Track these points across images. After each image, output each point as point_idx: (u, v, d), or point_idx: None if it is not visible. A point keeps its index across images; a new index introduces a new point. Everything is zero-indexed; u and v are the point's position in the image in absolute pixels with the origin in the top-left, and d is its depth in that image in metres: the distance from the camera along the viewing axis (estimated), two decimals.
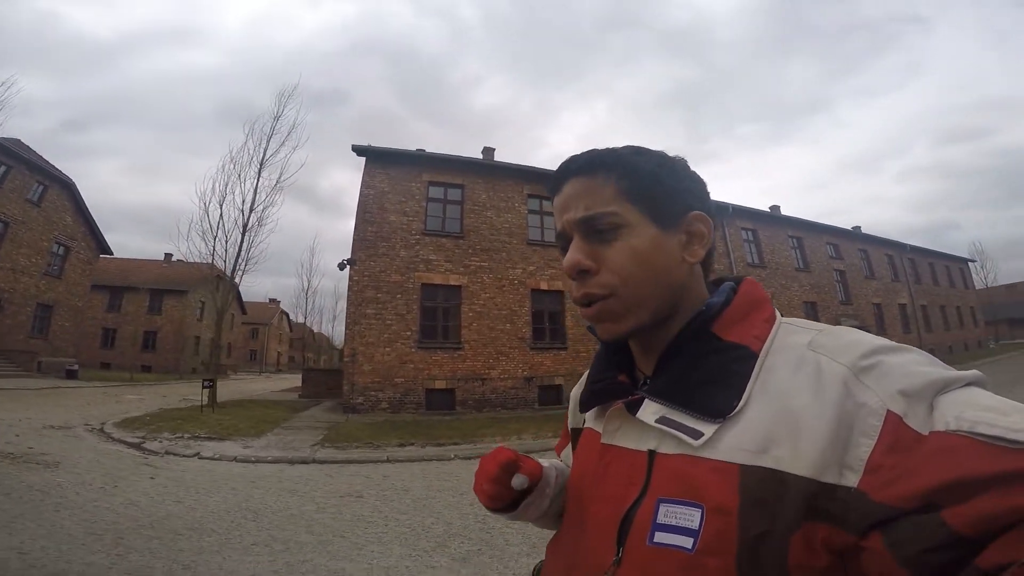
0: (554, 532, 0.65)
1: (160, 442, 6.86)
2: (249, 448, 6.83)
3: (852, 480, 0.38)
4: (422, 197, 12.87)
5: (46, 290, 20.44)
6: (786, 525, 0.39)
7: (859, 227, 25.76)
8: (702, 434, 0.45)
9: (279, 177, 13.08)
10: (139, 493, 4.33)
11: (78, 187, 21.60)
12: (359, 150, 12.87)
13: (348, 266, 11.76)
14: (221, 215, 12.55)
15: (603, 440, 0.56)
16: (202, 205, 12.58)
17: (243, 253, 12.55)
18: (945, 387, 0.39)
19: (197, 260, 12.46)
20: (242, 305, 41.10)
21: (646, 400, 0.51)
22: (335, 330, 42.19)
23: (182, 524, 3.56)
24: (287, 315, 59.16)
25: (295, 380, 30.18)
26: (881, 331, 22.51)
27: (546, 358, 12.92)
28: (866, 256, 23.50)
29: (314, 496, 4.51)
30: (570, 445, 0.72)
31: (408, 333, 11.77)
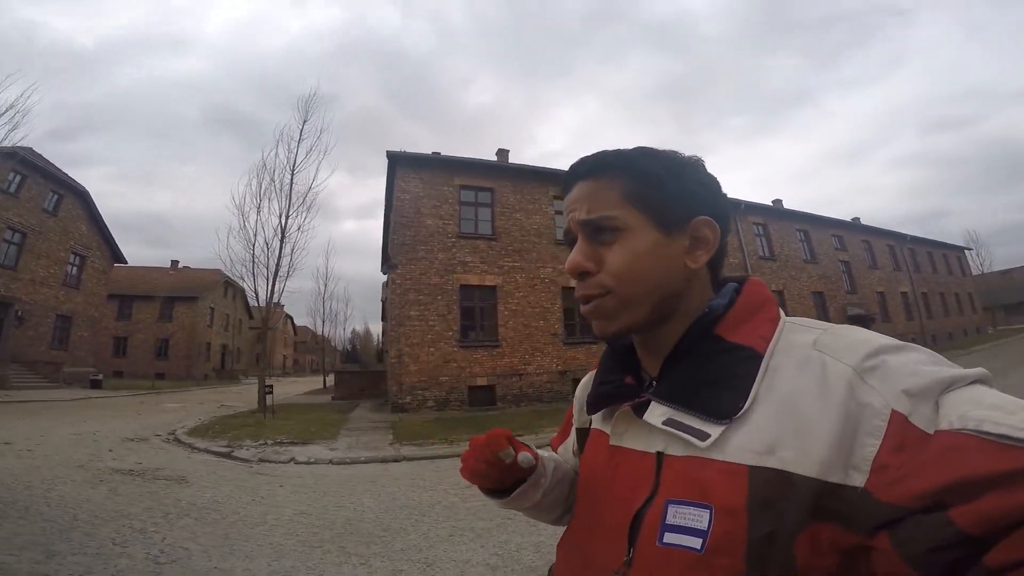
0: (563, 530, 0.66)
1: (247, 450, 6.97)
2: (335, 450, 6.99)
3: (858, 480, 0.38)
4: (455, 200, 13.20)
5: (64, 300, 20.41)
6: (793, 525, 0.40)
7: (858, 218, 26.48)
8: (709, 436, 0.46)
9: (311, 183, 13.26)
10: (293, 502, 4.41)
11: (91, 195, 21.55)
12: (392, 156, 13.18)
13: (390, 270, 12.05)
14: (259, 222, 12.60)
15: (611, 442, 0.57)
16: (240, 214, 12.64)
17: (281, 259, 12.59)
18: (950, 386, 0.40)
19: (238, 268, 12.49)
20: (249, 310, 41.07)
21: (652, 402, 0.52)
22: (342, 333, 42.07)
23: (373, 526, 3.70)
24: (291, 319, 59.07)
25: (309, 383, 30.31)
26: (885, 318, 23.32)
27: (579, 352, 13.38)
28: (869, 247, 24.30)
29: (445, 489, 4.78)
30: (572, 443, 0.75)
31: (450, 333, 12.12)
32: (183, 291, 30.65)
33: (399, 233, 12.38)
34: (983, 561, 0.32)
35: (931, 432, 0.37)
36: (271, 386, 10.98)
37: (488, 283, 12.89)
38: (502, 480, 0.62)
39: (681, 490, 0.46)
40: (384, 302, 31.71)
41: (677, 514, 0.45)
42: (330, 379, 29.40)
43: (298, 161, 13.17)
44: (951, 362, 0.43)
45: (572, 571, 0.58)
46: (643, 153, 0.57)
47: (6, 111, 13.18)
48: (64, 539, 3.20)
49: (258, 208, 12.64)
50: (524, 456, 0.57)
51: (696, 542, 0.43)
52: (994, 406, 0.37)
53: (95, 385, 18.74)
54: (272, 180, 12.70)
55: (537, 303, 13.19)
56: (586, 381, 0.72)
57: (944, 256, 29.92)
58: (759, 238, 19.56)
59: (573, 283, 0.57)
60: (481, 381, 12.21)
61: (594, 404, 0.62)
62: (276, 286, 12.53)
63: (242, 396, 19.48)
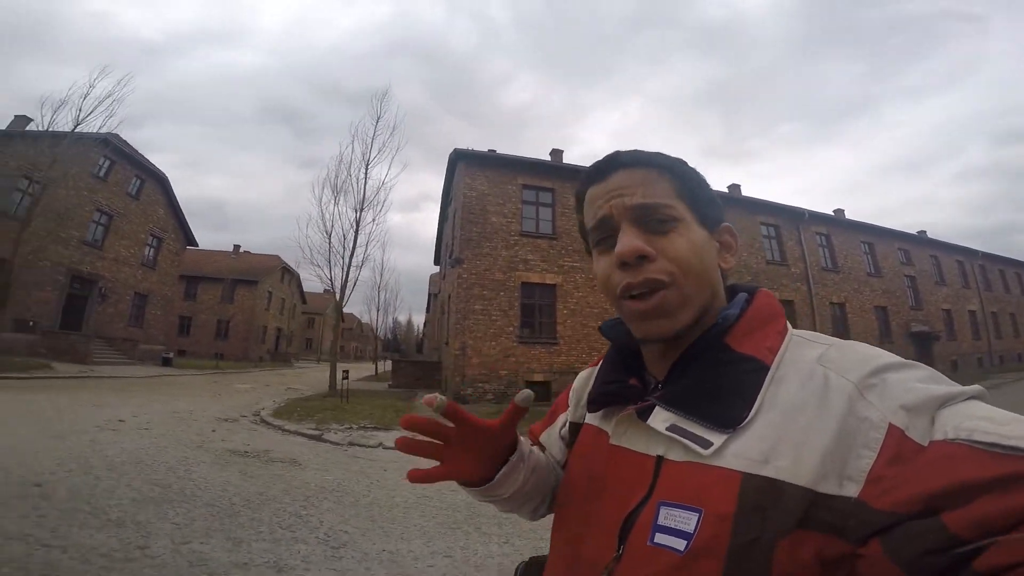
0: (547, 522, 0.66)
1: (336, 433, 7.16)
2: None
3: (852, 491, 0.39)
4: (518, 199, 13.48)
5: (142, 280, 21.77)
6: (775, 532, 0.40)
7: (924, 231, 25.37)
8: (711, 444, 0.46)
9: (384, 178, 13.76)
10: (407, 486, 4.33)
11: (169, 181, 22.89)
12: (458, 153, 13.59)
13: (456, 265, 12.43)
14: (335, 213, 13.20)
15: (612, 441, 0.57)
16: (319, 205, 13.27)
17: (356, 249, 13.15)
18: (946, 401, 0.41)
19: (316, 257, 13.09)
20: (303, 295, 42.81)
21: (657, 407, 0.52)
22: (387, 322, 43.16)
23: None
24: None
25: (358, 369, 31.35)
26: (950, 337, 22.39)
27: None
28: (936, 262, 23.28)
29: None
30: (562, 431, 0.74)
31: (511, 328, 12.41)
32: (244, 274, 32.20)
33: (466, 229, 12.74)
34: (973, 565, 0.33)
35: (926, 444, 0.39)
36: (347, 371, 11.45)
37: (548, 282, 13.11)
38: (496, 459, 0.60)
39: (676, 493, 0.47)
40: (431, 295, 32.40)
41: (668, 516, 0.46)
42: (381, 366, 30.26)
43: (372, 157, 13.65)
44: (951, 381, 0.44)
45: (563, 564, 0.58)
46: (680, 159, 0.59)
47: (105, 100, 14.25)
48: (235, 524, 3.31)
49: (335, 200, 13.19)
50: (523, 396, 0.52)
51: (681, 544, 0.44)
52: (985, 418, 0.38)
53: (166, 363, 19.93)
54: (349, 174, 13.24)
55: (596, 304, 13.31)
56: (586, 376, 0.73)
57: (1017, 275, 28.38)
58: (821, 248, 19.05)
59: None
60: (538, 377, 12.44)
61: (597, 402, 0.62)
62: (350, 274, 13.06)
63: (303, 379, 20.39)
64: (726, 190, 19.94)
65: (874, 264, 20.63)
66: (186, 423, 7.27)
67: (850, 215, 21.35)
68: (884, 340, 19.82)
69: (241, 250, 37.63)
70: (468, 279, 12.40)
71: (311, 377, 21.77)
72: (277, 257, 37.34)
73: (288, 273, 39.01)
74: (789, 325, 0.55)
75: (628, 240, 0.53)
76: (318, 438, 6.93)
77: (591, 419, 0.63)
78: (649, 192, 0.55)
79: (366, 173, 13.51)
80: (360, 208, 13.17)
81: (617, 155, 0.59)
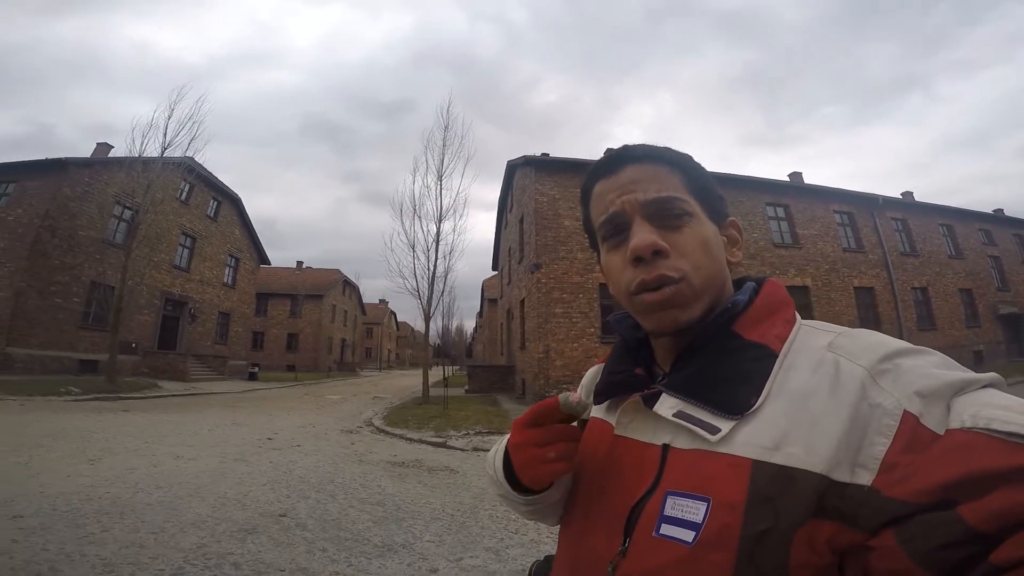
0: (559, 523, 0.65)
1: (457, 440, 7.39)
2: None
3: (865, 479, 0.38)
4: None
5: (224, 299, 23.13)
6: (791, 522, 0.40)
7: (1001, 209, 23.95)
8: (719, 430, 0.46)
9: (459, 187, 14.19)
10: None
11: (243, 202, 24.12)
12: (528, 161, 13.87)
13: (536, 270, 12.71)
14: (415, 227, 13.71)
15: (616, 432, 0.56)
16: (400, 222, 13.81)
17: (439, 261, 13.61)
18: (962, 388, 0.40)
19: (402, 270, 13.60)
20: (362, 307, 44.34)
21: (663, 394, 0.52)
22: (438, 328, 44.08)
23: None
24: (395, 314, 63.04)
25: (411, 377, 32.17)
26: None
27: None
28: (1020, 241, 21.99)
29: None
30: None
31: (591, 330, 12.58)
32: (309, 289, 33.65)
33: (541, 234, 13.00)
34: (990, 559, 0.32)
35: (941, 432, 0.38)
36: (447, 379, 11.86)
37: None
38: (570, 457, 0.56)
39: (683, 482, 0.46)
40: (486, 300, 32.88)
41: (675, 506, 0.45)
42: (440, 372, 30.88)
43: (444, 168, 14.06)
44: (964, 367, 0.43)
45: (569, 560, 0.57)
46: (685, 154, 0.59)
47: (187, 123, 14.91)
48: (468, 535, 3.39)
49: (414, 214, 13.71)
50: (568, 403, 0.53)
51: (689, 535, 0.43)
52: (1004, 406, 0.37)
53: (252, 377, 21.13)
54: (426, 185, 13.72)
55: None
56: (593, 372, 0.72)
57: None
58: (898, 233, 18.38)
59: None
60: None
61: (603, 392, 0.61)
62: (435, 286, 13.50)
63: (380, 387, 21.13)
64: (787, 178, 19.45)
65: (955, 246, 19.73)
66: (321, 437, 7.54)
67: (917, 196, 20.44)
68: (970, 324, 18.95)
69: (304, 266, 39.34)
70: (547, 283, 12.65)
71: (387, 385, 22.64)
72: (338, 271, 39.01)
73: (348, 286, 40.61)
74: (798, 315, 0.55)
75: (643, 235, 0.52)
76: (443, 445, 7.13)
77: (596, 412, 0.62)
78: (663, 187, 0.54)
79: (440, 184, 13.90)
80: (439, 220, 13.59)
81: (627, 149, 0.58)
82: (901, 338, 0.47)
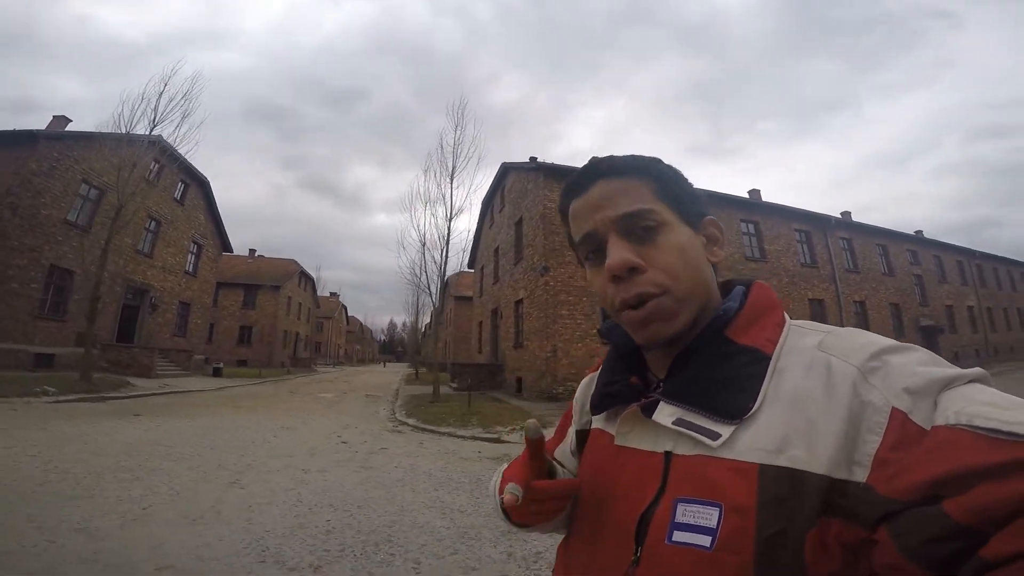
0: (563, 535, 0.64)
1: (507, 435, 7.59)
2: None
3: (861, 476, 0.40)
4: None
5: (185, 288, 21.64)
6: (803, 522, 0.41)
7: (921, 231, 27.32)
8: (720, 435, 0.46)
9: (470, 187, 14.42)
10: None
11: (211, 185, 22.63)
12: (536, 166, 14.37)
13: (545, 273, 13.22)
14: (425, 225, 13.83)
15: (617, 442, 0.56)
16: (414, 221, 13.85)
17: (449, 258, 13.79)
18: (948, 384, 0.41)
19: (412, 265, 13.65)
20: (316, 300, 42.81)
21: (661, 402, 0.52)
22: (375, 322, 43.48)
23: None
24: (345, 308, 61.13)
25: (386, 373, 31.56)
26: (952, 331, 24.25)
27: None
28: (939, 261, 25.38)
29: None
30: (572, 443, 0.71)
31: (594, 331, 13.26)
32: (264, 280, 32.11)
33: (549, 239, 13.53)
34: (979, 554, 0.33)
35: (928, 428, 0.39)
36: (468, 378, 12.05)
37: None
38: (560, 509, 0.58)
39: (690, 488, 0.46)
40: (449, 296, 32.71)
41: (687, 512, 0.45)
42: (391, 367, 30.48)
43: (454, 167, 14.17)
44: (951, 363, 0.44)
45: (579, 572, 0.56)
46: (654, 158, 0.59)
47: (181, 100, 13.78)
48: None
49: (425, 210, 13.81)
50: (529, 425, 0.55)
51: (706, 540, 0.43)
52: (987, 403, 0.38)
53: (217, 373, 19.83)
54: (439, 185, 13.83)
55: None
56: (587, 382, 0.71)
57: (1008, 272, 30.92)
58: (845, 252, 20.68)
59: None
60: None
61: (599, 404, 0.61)
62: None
63: (355, 384, 20.72)
64: (746, 195, 21.11)
65: (887, 265, 22.39)
66: (379, 437, 7.55)
67: (835, 212, 22.79)
68: (898, 334, 21.46)
69: (256, 254, 37.41)
70: (555, 286, 13.22)
71: (359, 382, 22.26)
72: (294, 262, 37.36)
73: (304, 277, 39.13)
74: (786, 315, 0.55)
75: (617, 253, 0.53)
76: (498, 440, 7.41)
77: (596, 423, 0.63)
78: (631, 200, 0.54)
79: (452, 183, 14.03)
80: (450, 218, 13.75)
81: (594, 166, 0.58)
82: None
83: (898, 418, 0.40)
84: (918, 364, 0.44)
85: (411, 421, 9.30)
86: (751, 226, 17.95)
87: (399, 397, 14.24)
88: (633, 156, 0.58)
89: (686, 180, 0.59)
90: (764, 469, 0.43)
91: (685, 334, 0.54)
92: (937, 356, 0.45)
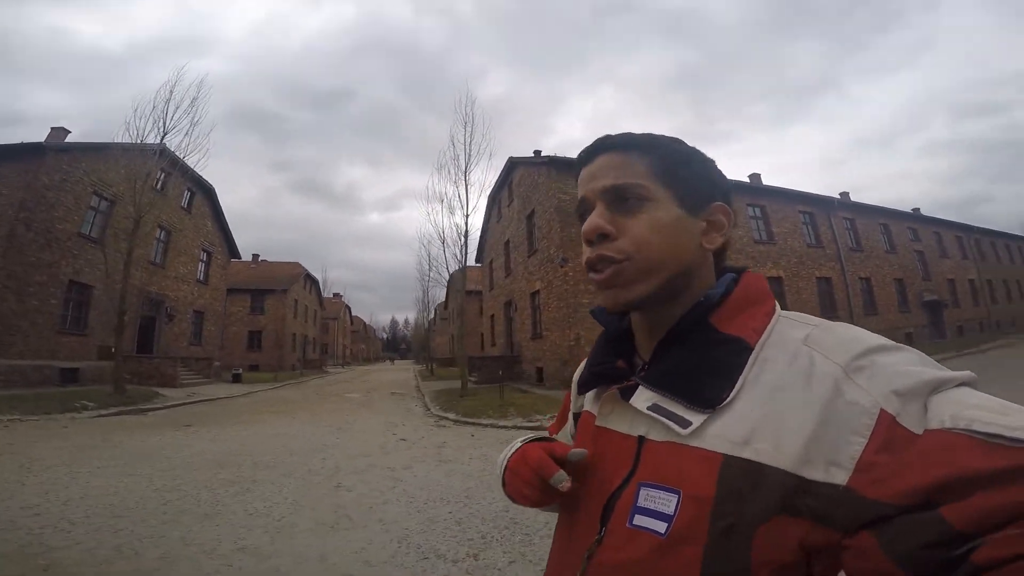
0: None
1: (547, 423, 7.80)
2: None
3: (840, 478, 0.38)
4: None
5: (198, 297, 21.70)
6: (755, 516, 0.40)
7: (918, 209, 27.77)
8: (690, 423, 0.46)
9: (484, 183, 14.63)
10: None
11: (216, 192, 22.59)
12: (547, 160, 14.60)
13: (564, 264, 13.48)
14: (443, 223, 14.06)
15: (597, 423, 0.57)
16: (432, 221, 14.04)
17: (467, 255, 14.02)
18: (938, 387, 0.40)
19: (433, 264, 13.86)
20: (321, 301, 42.93)
21: (640, 387, 0.52)
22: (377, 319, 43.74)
23: None
24: (349, 308, 61.25)
25: (388, 372, 31.73)
26: (954, 305, 24.72)
27: None
28: (939, 238, 25.84)
29: None
30: (570, 427, 0.73)
31: None
32: (269, 284, 32.14)
33: (566, 231, 13.78)
34: (971, 559, 0.32)
35: (919, 432, 0.38)
36: (488, 371, 12.29)
37: None
38: (548, 500, 0.58)
39: (656, 474, 0.47)
40: (455, 292, 32.93)
41: (648, 497, 0.46)
42: (398, 364, 30.67)
43: (467, 163, 14.33)
44: (939, 364, 0.43)
45: (559, 549, 0.58)
46: (673, 139, 0.58)
47: (188, 107, 13.56)
48: None
49: (441, 208, 14.01)
50: (576, 452, 0.55)
51: (662, 526, 0.44)
52: (983, 407, 0.38)
53: (236, 379, 20.00)
54: (455, 182, 14.02)
55: None
56: (583, 366, 0.70)
57: (1007, 245, 31.48)
58: (848, 231, 21.13)
59: None
60: None
61: (585, 384, 0.62)
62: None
63: (373, 383, 20.99)
64: (747, 180, 21.39)
65: (890, 242, 22.89)
66: (432, 433, 7.72)
67: (829, 192, 23.18)
68: (903, 310, 21.97)
69: (260, 259, 37.42)
70: (574, 276, 13.49)
71: (376, 380, 22.59)
72: (299, 264, 37.43)
73: (309, 280, 39.22)
74: (778, 307, 0.54)
75: (591, 219, 0.54)
76: (540, 428, 7.44)
77: (586, 404, 0.63)
78: (621, 174, 0.54)
79: (466, 180, 14.21)
80: (467, 214, 13.94)
81: (601, 140, 0.59)
82: (851, 322, 0.49)
83: (886, 421, 0.39)
84: (907, 364, 0.43)
85: (451, 415, 9.55)
86: (758, 210, 18.29)
87: (423, 393, 14.48)
88: (644, 133, 0.58)
89: (702, 163, 0.58)
90: (728, 460, 0.43)
91: (665, 315, 0.54)
92: (926, 357, 0.44)
